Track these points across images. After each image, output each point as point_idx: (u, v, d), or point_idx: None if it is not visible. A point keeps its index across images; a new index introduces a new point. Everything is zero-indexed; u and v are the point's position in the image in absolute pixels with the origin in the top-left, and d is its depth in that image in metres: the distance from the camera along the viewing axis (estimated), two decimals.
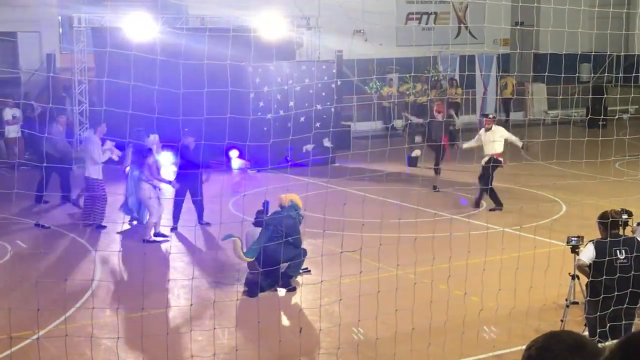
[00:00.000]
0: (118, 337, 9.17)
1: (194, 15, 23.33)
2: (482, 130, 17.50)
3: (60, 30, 24.65)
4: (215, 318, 9.82)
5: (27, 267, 12.64)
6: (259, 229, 11.89)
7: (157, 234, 14.40)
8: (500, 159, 17.19)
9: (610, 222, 8.77)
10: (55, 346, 9.06)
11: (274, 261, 11.18)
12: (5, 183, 16.49)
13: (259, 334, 8.90)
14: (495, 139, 17.14)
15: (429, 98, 28.75)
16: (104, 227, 14.91)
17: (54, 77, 23.02)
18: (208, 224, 14.48)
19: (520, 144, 17.70)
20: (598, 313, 8.43)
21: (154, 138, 15.21)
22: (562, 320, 9.84)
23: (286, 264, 11.58)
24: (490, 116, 18.44)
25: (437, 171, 19.13)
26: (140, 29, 20.38)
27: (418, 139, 21.91)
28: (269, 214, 11.94)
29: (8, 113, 21.23)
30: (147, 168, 14.32)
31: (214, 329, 9.36)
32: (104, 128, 15.09)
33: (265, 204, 12.36)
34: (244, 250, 11.44)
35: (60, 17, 24.18)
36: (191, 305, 9.68)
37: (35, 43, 24.26)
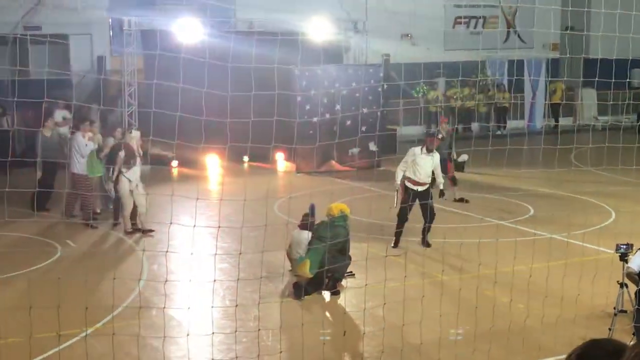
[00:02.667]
0: (164, 337, 9.26)
1: (242, 19, 23.52)
2: (419, 149, 14.19)
3: (111, 32, 24.99)
4: (259, 320, 9.87)
5: (76, 266, 12.83)
6: (304, 232, 11.91)
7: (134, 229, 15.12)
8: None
9: None
10: (102, 344, 9.17)
11: (323, 268, 11.26)
12: (56, 183, 16.73)
13: (303, 337, 8.92)
14: (431, 166, 14.22)
15: (476, 102, 28.64)
16: (96, 227, 15.46)
17: (105, 80, 23.37)
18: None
19: (441, 185, 14.73)
20: None
21: (135, 134, 15.54)
22: (609, 329, 9.71)
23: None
24: (441, 135, 16.01)
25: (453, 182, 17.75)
26: (188, 32, 20.58)
27: (464, 157, 21.30)
28: (317, 223, 11.92)
29: (58, 114, 21.52)
30: (119, 162, 14.88)
31: (258, 330, 9.40)
32: (87, 125, 16.26)
33: (312, 207, 12.38)
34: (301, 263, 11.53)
35: (110, 20, 24.52)
36: (236, 306, 9.73)
37: (86, 45, 24.62)
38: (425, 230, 14.14)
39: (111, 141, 16.02)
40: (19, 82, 21.76)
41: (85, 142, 15.88)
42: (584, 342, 2.69)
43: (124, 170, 14.92)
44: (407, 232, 13.99)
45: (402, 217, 13.72)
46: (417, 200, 13.80)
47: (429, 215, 13.86)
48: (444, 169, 15.51)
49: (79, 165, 15.80)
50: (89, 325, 9.40)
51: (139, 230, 15.05)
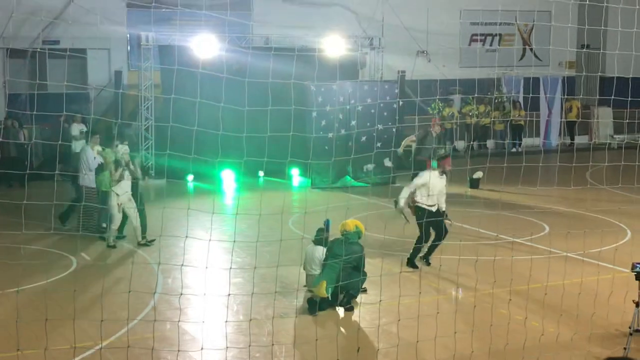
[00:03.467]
0: (178, 351, 9.27)
1: (258, 34, 23.61)
2: (432, 173, 13.91)
3: (129, 47, 25.13)
4: (273, 334, 9.86)
5: (91, 279, 12.87)
6: (319, 248, 11.89)
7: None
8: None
9: None
10: (116, 357, 9.19)
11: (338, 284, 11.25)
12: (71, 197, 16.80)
13: (316, 352, 8.90)
14: (443, 188, 13.92)
15: (491, 119, 28.62)
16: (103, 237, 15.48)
17: (122, 94, 23.49)
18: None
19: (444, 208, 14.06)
20: None
21: (121, 148, 15.64)
22: (624, 348, 9.63)
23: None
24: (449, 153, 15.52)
25: None
26: (206, 47, 20.68)
27: (479, 174, 21.11)
28: (331, 240, 11.88)
29: (75, 128, 21.66)
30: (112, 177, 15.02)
31: (272, 345, 9.40)
32: (97, 139, 16.29)
33: (327, 223, 12.37)
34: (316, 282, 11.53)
35: (128, 35, 24.66)
36: (250, 320, 9.74)
37: (104, 60, 24.76)
38: (432, 248, 13.90)
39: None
40: (37, 96, 21.95)
41: (94, 156, 16.04)
42: None
43: (113, 185, 15.04)
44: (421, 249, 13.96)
45: (422, 236, 13.55)
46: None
47: (442, 233, 13.72)
48: (423, 167, 15.78)
49: (87, 178, 15.96)
50: (104, 338, 9.42)
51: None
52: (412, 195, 13.71)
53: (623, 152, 24.31)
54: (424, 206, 13.65)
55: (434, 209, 13.67)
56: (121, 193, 15.03)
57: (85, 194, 15.93)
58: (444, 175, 13.91)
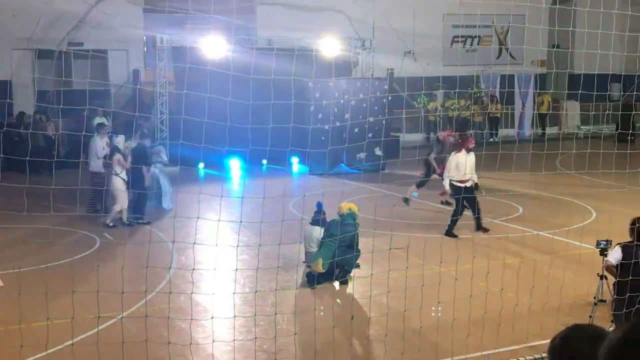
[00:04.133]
0: (191, 319, 9.30)
1: (262, 36, 23.55)
2: (459, 150, 14.64)
3: (145, 49, 25.08)
4: (276, 305, 9.89)
5: (113, 256, 12.90)
6: (315, 227, 11.92)
7: (130, 222, 15.54)
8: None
9: (638, 227, 8.62)
10: (136, 326, 9.22)
11: (334, 261, 11.30)
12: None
13: (314, 321, 8.94)
14: (472, 165, 14.65)
15: (471, 112, 28.61)
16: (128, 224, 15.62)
17: (139, 90, 23.48)
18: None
19: (476, 179, 14.99)
20: (624, 310, 8.29)
21: (119, 138, 15.84)
22: (590, 317, 9.69)
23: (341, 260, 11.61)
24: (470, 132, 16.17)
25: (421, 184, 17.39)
26: (214, 48, 20.64)
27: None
28: (328, 221, 11.92)
29: (97, 121, 21.61)
30: (116, 164, 15.24)
31: (275, 314, 9.42)
32: (106, 131, 16.88)
33: (319, 205, 12.39)
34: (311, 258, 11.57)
35: (145, 37, 24.61)
36: (255, 292, 9.76)
37: (123, 60, 24.73)
38: (478, 220, 14.65)
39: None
40: (62, 93, 21.89)
41: (102, 146, 16.26)
42: (567, 327, 2.70)
43: (118, 171, 15.18)
44: (409, 229, 13.99)
45: (458, 209, 14.38)
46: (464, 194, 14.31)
47: (476, 208, 14.49)
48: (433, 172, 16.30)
49: (94, 164, 16.26)
50: (125, 308, 9.45)
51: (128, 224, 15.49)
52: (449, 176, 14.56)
53: (589, 141, 24.33)
54: (455, 184, 14.37)
55: (467, 184, 14.33)
56: (125, 178, 15.20)
57: (92, 179, 16.07)
58: (471, 153, 14.46)
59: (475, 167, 14.68)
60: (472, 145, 14.61)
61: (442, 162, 16.24)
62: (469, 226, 14.92)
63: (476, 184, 14.79)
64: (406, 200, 16.90)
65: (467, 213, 14.85)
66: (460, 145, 14.63)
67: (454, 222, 14.35)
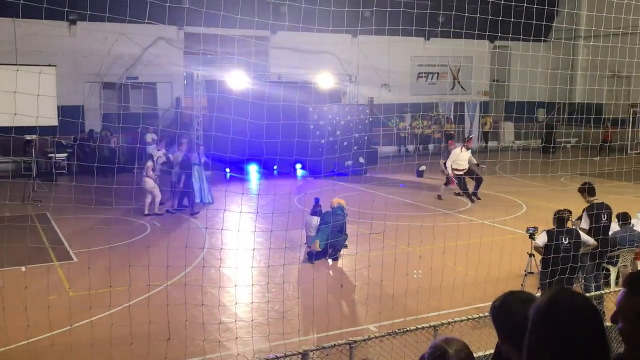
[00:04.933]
0: (219, 287, 9.28)
1: (274, 72, 23.51)
2: (460, 148, 16.25)
3: (185, 82, 25.02)
4: (284, 276, 9.87)
5: (160, 239, 12.86)
6: (314, 217, 11.89)
7: (167, 211, 15.31)
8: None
9: (558, 217, 8.63)
10: (177, 292, 9.20)
11: (328, 242, 11.27)
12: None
13: (313, 288, 8.93)
14: (467, 158, 16.27)
15: (432, 130, 28.61)
16: (173, 213, 15.42)
17: (180, 113, 23.43)
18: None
19: (476, 161, 16.58)
20: (547, 280, 8.29)
21: (152, 148, 15.93)
22: (522, 285, 9.68)
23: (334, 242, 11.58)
24: (472, 136, 17.87)
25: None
26: (237, 81, 20.60)
27: (423, 167, 21.39)
28: (323, 212, 11.88)
29: (149, 136, 21.59)
30: (149, 169, 15.03)
31: (283, 283, 9.41)
32: (162, 145, 16.97)
33: (316, 200, 12.37)
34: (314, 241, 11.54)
35: (185, 73, 24.57)
36: (268, 266, 9.75)
37: (168, 90, 24.66)
38: (476, 190, 16.17)
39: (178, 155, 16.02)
40: (122, 115, 21.87)
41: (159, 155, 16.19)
42: (504, 293, 2.69)
43: (151, 173, 15.04)
44: (385, 217, 13.96)
45: (463, 187, 16.10)
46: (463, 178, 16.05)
47: (479, 180, 16.00)
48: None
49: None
50: (169, 278, 9.43)
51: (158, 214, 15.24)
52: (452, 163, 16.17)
53: (520, 152, 24.29)
54: (457, 172, 15.98)
55: (464, 171, 16.05)
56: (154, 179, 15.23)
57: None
58: (469, 150, 16.14)
59: (471, 158, 16.22)
60: (471, 145, 16.14)
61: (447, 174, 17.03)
62: (432, 217, 14.90)
63: (477, 164, 16.34)
64: (439, 197, 17.22)
65: (445, 211, 14.80)
66: (464, 145, 16.24)
67: (467, 194, 16.13)
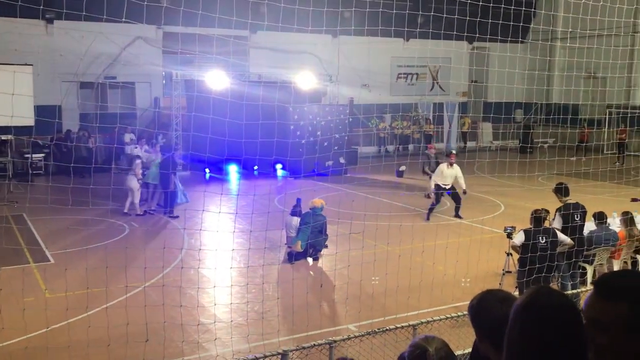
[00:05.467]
0: (198, 288, 9.21)
1: (253, 72, 23.43)
2: (446, 165, 14.95)
3: (164, 81, 24.82)
4: (263, 276, 9.83)
5: (138, 239, 12.74)
6: (294, 218, 11.87)
7: (146, 212, 15.18)
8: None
9: (535, 217, 8.71)
10: (155, 293, 9.11)
11: (308, 242, 11.25)
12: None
13: (293, 288, 8.90)
14: (453, 175, 14.93)
15: (411, 130, 28.74)
16: (152, 213, 15.30)
17: (158, 113, 23.24)
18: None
19: (464, 187, 15.02)
20: (525, 279, 8.36)
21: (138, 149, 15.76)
22: (500, 284, 9.76)
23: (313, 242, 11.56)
24: (454, 152, 16.12)
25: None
26: (217, 80, 20.49)
27: (403, 167, 21.29)
28: (304, 212, 11.86)
29: (127, 137, 21.40)
30: (138, 167, 15.01)
31: (263, 283, 9.38)
32: (143, 144, 16.86)
33: (298, 200, 12.35)
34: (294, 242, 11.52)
35: (163, 73, 24.37)
36: (247, 267, 9.70)
37: (146, 90, 24.44)
38: (457, 209, 14.99)
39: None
40: (100, 115, 21.63)
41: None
42: (482, 291, 2.69)
43: (138, 172, 15.01)
44: (364, 217, 13.97)
45: (437, 200, 14.88)
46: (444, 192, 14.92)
47: (458, 199, 14.84)
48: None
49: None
50: (147, 280, 9.34)
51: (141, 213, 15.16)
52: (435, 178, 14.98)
53: (498, 152, 24.50)
54: (440, 184, 14.78)
55: (447, 187, 14.85)
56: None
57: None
58: (453, 165, 14.84)
59: (462, 176, 14.99)
60: (453, 160, 14.87)
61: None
62: (411, 217, 14.96)
63: (464, 190, 14.95)
64: (427, 195, 16.79)
65: (419, 211, 14.83)
66: (446, 160, 15.14)
67: (430, 210, 14.93)
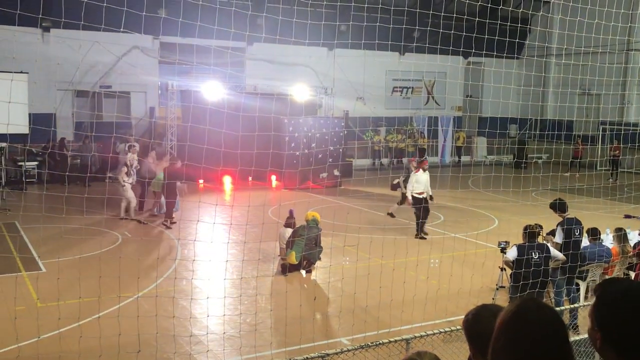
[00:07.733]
0: (191, 299, 9.19)
1: (249, 83, 23.50)
2: (420, 171, 14.47)
3: (159, 91, 24.86)
4: (257, 288, 9.81)
5: (131, 249, 12.69)
6: (288, 229, 11.87)
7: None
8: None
9: (529, 232, 8.74)
10: (148, 303, 9.08)
11: (302, 254, 11.24)
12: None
13: (286, 300, 8.89)
14: (427, 180, 14.53)
15: (406, 144, 28.84)
16: (145, 223, 15.29)
17: (154, 122, 23.25)
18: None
19: (431, 193, 14.72)
20: (518, 294, 8.38)
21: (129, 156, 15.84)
22: (493, 299, 9.77)
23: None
24: (426, 158, 15.73)
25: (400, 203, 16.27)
26: (213, 91, 20.53)
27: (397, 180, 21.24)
28: (298, 226, 11.82)
29: (122, 146, 21.35)
30: (119, 174, 15.18)
31: (256, 295, 9.35)
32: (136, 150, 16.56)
33: (291, 212, 12.35)
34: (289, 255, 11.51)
35: (159, 83, 24.42)
36: (241, 278, 9.68)
37: (142, 99, 24.46)
38: (421, 225, 14.43)
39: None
40: (95, 123, 21.61)
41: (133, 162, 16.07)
42: (476, 306, 2.72)
43: (127, 179, 15.14)
44: (358, 231, 13.99)
45: (419, 215, 14.20)
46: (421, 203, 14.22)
47: (426, 214, 14.34)
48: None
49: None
50: (140, 290, 9.30)
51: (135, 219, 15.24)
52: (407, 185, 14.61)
53: (493, 167, 24.61)
54: (415, 195, 14.31)
55: (421, 196, 14.29)
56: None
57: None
58: (426, 172, 14.53)
59: (429, 183, 14.61)
60: (426, 166, 14.61)
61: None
62: (406, 230, 14.97)
63: (431, 196, 14.74)
64: (392, 215, 16.11)
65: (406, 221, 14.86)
66: (418, 167, 14.68)
67: (418, 224, 14.46)
